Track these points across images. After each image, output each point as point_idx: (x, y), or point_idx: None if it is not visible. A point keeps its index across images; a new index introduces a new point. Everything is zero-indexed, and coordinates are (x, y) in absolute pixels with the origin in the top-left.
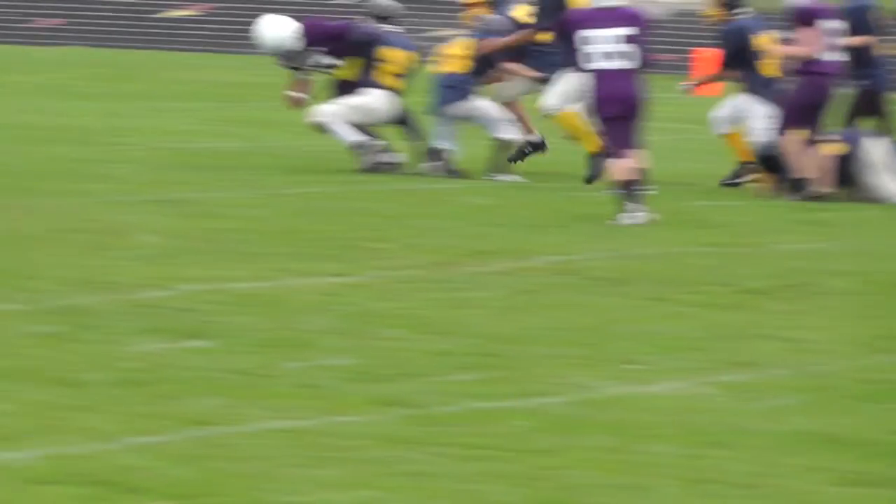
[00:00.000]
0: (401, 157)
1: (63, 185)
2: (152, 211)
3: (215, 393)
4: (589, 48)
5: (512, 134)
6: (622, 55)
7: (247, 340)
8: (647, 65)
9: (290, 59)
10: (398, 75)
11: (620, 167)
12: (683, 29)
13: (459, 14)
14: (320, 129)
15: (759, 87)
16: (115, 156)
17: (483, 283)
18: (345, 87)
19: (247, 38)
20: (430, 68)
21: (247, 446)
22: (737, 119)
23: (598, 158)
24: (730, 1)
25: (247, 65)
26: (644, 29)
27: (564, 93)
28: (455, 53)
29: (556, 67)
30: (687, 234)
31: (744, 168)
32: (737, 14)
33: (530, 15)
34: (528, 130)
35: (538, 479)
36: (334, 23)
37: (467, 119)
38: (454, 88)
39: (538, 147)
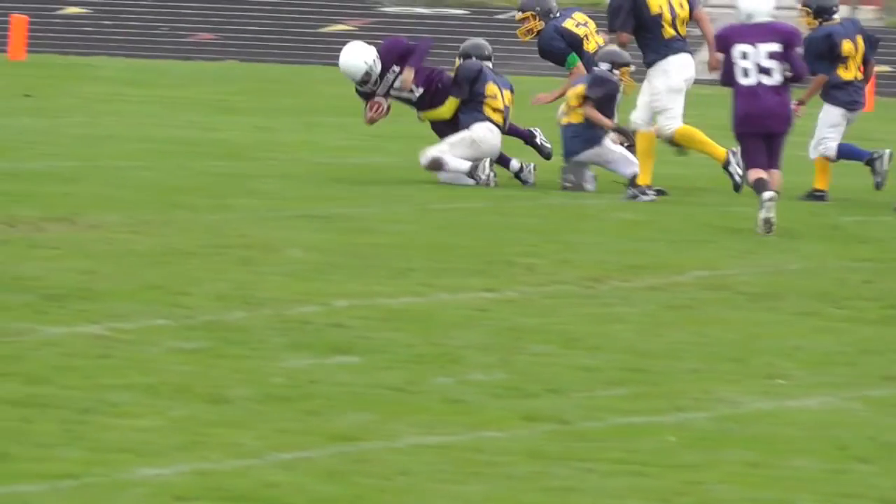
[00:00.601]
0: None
1: (212, 201)
2: (301, 226)
3: (363, 409)
4: (736, 63)
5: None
6: (765, 71)
7: (395, 356)
8: (798, 81)
9: (370, 84)
10: (499, 111)
11: (751, 176)
12: None
13: (517, 31)
14: (435, 167)
15: (832, 89)
16: (265, 171)
17: (632, 299)
18: (442, 128)
19: None
20: (559, 118)
21: (394, 462)
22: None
23: (638, 189)
24: (817, 9)
25: None
26: (797, 46)
27: (646, 105)
28: (573, 104)
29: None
30: (838, 249)
31: (814, 194)
32: (825, 21)
33: (579, 25)
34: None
35: (683, 494)
36: (411, 43)
37: (596, 164)
38: (577, 138)
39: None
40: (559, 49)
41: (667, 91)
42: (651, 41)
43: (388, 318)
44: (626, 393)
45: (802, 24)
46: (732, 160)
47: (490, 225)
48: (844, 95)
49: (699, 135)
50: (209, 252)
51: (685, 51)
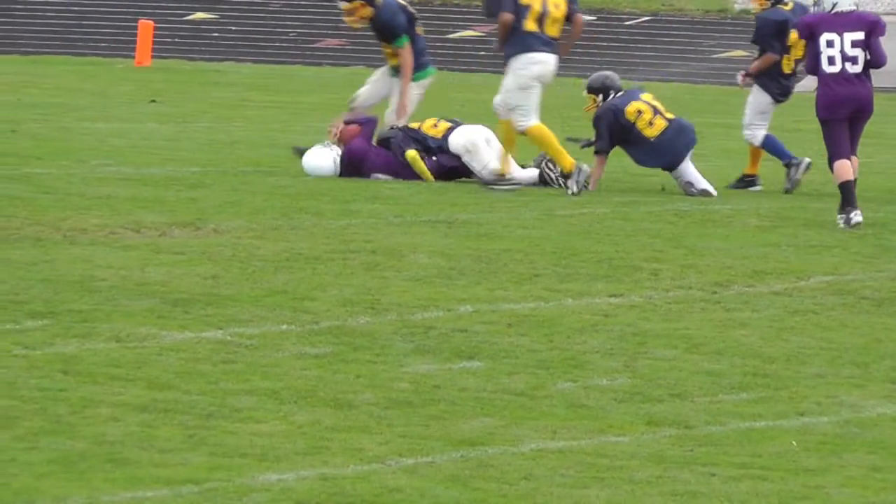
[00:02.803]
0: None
1: (337, 206)
2: (426, 231)
3: (487, 414)
4: (822, 52)
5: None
6: (850, 59)
7: (519, 361)
8: (877, 67)
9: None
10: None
11: (836, 170)
12: None
13: (344, 19)
14: (539, 163)
15: (766, 77)
16: None
17: (757, 304)
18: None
19: None
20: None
21: (517, 467)
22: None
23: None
24: None
25: None
26: (879, 34)
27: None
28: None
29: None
30: None
31: (745, 179)
32: (777, 3)
33: (411, 3)
34: None
35: (804, 498)
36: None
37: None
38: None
39: None
40: (401, 24)
41: (516, 88)
42: (512, 33)
43: (512, 323)
44: (750, 397)
45: (754, 4)
46: (575, 174)
47: (615, 230)
48: (776, 86)
49: (550, 138)
50: (334, 257)
51: (545, 50)
